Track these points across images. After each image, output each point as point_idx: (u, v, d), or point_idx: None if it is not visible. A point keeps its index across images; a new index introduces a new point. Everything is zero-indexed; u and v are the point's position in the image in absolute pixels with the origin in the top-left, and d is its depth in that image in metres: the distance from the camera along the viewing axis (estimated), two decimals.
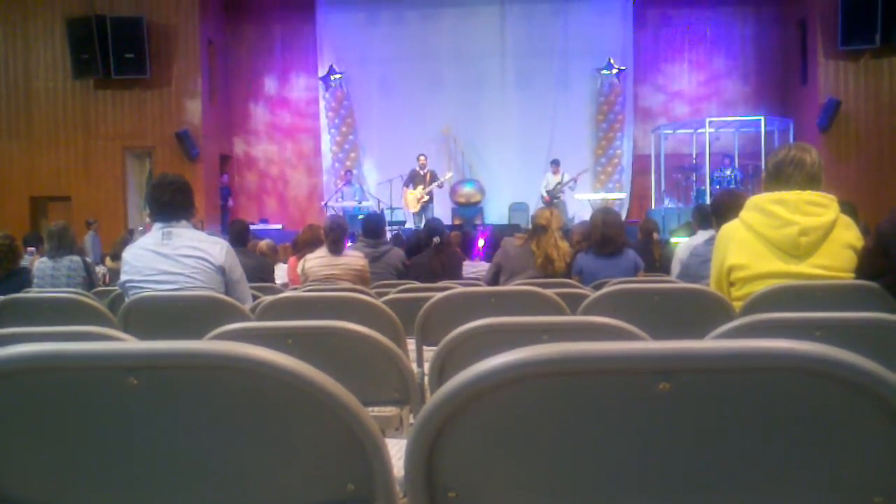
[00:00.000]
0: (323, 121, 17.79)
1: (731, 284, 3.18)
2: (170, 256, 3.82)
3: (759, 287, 2.99)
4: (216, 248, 3.92)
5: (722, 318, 2.82)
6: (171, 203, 3.91)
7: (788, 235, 2.99)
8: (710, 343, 0.90)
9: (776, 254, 3.03)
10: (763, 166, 14.58)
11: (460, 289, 3.13)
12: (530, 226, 6.24)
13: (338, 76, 17.40)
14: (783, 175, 3.09)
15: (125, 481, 1.04)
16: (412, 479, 0.95)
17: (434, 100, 17.01)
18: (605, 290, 2.95)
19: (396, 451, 2.10)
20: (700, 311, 2.90)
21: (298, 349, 2.00)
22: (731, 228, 3.23)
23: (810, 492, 0.91)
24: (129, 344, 0.95)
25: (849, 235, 3.05)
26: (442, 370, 1.95)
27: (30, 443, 1.05)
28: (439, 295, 3.03)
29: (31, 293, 3.76)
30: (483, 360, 0.90)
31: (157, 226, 3.92)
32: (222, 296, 3.64)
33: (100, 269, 10.48)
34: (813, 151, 3.15)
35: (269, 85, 18.02)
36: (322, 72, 17.50)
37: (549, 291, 2.98)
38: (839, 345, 1.55)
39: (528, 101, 17.00)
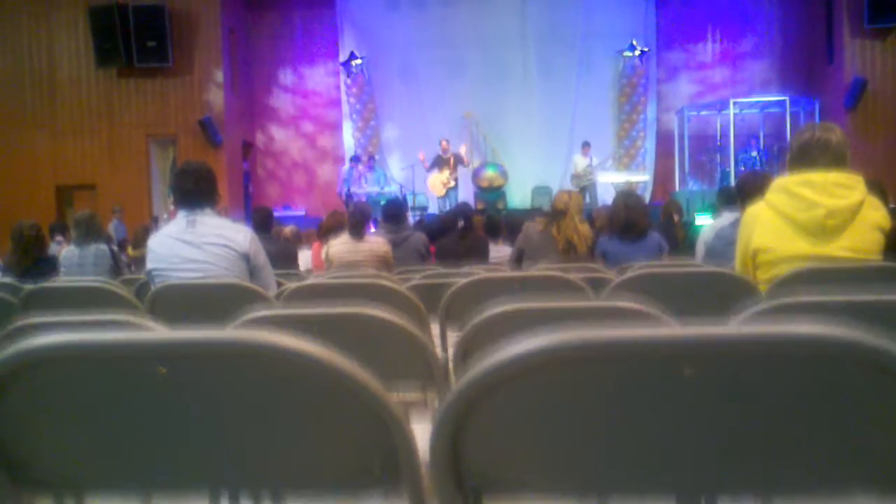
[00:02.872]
0: (344, 107, 17.81)
1: (757, 267, 3.16)
2: (194, 244, 3.84)
3: (785, 269, 2.96)
4: (240, 236, 3.93)
5: (747, 301, 2.80)
6: (194, 191, 3.93)
7: (815, 217, 2.96)
8: (734, 328, 0.89)
9: (802, 236, 3.00)
10: (788, 147, 14.38)
11: (484, 273, 3.13)
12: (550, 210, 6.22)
13: (358, 61, 17.37)
14: (808, 157, 3.06)
15: (154, 466, 1.05)
16: (437, 463, 0.96)
17: (455, 85, 16.97)
18: (629, 274, 2.93)
19: (422, 434, 2.11)
20: (725, 294, 2.88)
21: (323, 335, 2.01)
22: (756, 210, 3.20)
23: (838, 474, 0.90)
24: (157, 334, 0.96)
25: (876, 216, 3.01)
26: (466, 354, 1.95)
27: (61, 428, 1.06)
28: (463, 280, 3.03)
29: (59, 282, 3.79)
30: (507, 346, 0.89)
31: (181, 214, 3.95)
32: (247, 283, 3.66)
33: (123, 257, 10.55)
34: (837, 131, 3.11)
35: (291, 72, 18.05)
36: (343, 57, 17.49)
37: (573, 275, 2.97)
38: (867, 327, 1.54)
39: (550, 83, 16.91)
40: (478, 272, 4.78)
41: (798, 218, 3.01)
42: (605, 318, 1.89)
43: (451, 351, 2.90)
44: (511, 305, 1.89)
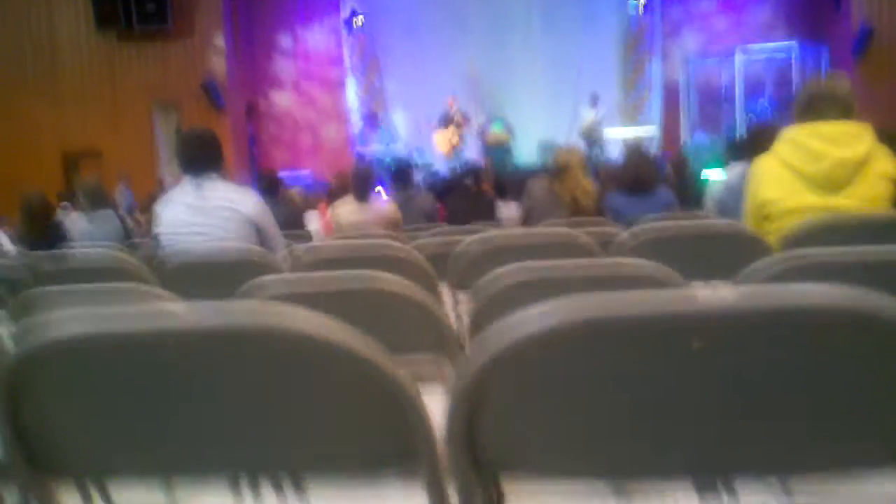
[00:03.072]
0: (347, 66, 17.67)
1: (765, 218, 3.15)
2: (201, 209, 3.86)
3: (793, 221, 2.95)
4: (246, 199, 3.94)
5: (758, 255, 2.79)
6: (199, 156, 3.94)
7: (822, 168, 2.95)
8: (737, 298, 0.87)
9: (810, 187, 2.99)
10: (795, 96, 14.27)
11: (491, 232, 3.12)
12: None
13: (360, 19, 17.20)
14: (815, 108, 3.03)
15: (174, 451, 1.06)
16: (453, 443, 0.96)
17: (458, 40, 16.80)
18: (637, 228, 2.92)
19: (437, 404, 2.12)
20: (735, 249, 2.87)
21: (335, 307, 2.02)
22: (763, 163, 3.18)
23: (849, 439, 0.91)
24: (174, 321, 0.95)
25: (885, 165, 2.98)
26: (479, 326, 1.96)
27: (80, 415, 1.07)
28: (470, 238, 3.03)
29: (72, 251, 3.82)
30: (517, 321, 0.89)
31: (187, 179, 3.95)
32: (255, 247, 3.67)
33: (130, 222, 10.56)
34: (844, 82, 3.10)
35: (292, 32, 17.87)
36: (344, 14, 17.33)
37: (580, 232, 2.96)
38: (878, 281, 1.55)
39: (554, 38, 16.73)
40: (485, 231, 4.78)
41: (806, 169, 2.99)
42: (616, 279, 1.88)
43: (464, 318, 2.91)
44: (521, 266, 1.89)
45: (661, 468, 0.96)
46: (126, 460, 1.10)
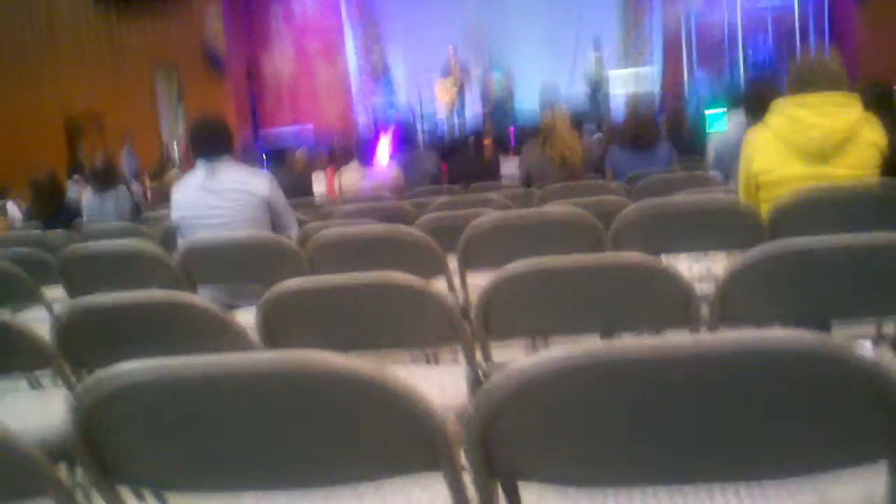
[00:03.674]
0: (345, 20, 17.58)
1: (758, 187, 3.28)
2: (216, 192, 4.00)
3: (786, 190, 3.09)
4: (259, 181, 4.08)
5: (749, 229, 2.95)
6: (211, 142, 4.08)
7: (813, 138, 3.06)
8: (715, 337, 1.03)
9: (801, 157, 3.11)
10: (796, 41, 14.32)
11: (499, 214, 3.27)
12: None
13: None
14: (807, 80, 3.14)
15: (225, 469, 1.23)
16: (472, 454, 1.12)
17: None
18: (633, 208, 3.06)
19: (450, 381, 2.29)
20: (729, 221, 3.03)
21: (350, 301, 2.18)
22: (756, 134, 3.30)
23: (820, 461, 1.07)
24: (228, 360, 1.11)
25: (873, 135, 3.10)
26: (486, 313, 2.12)
27: (143, 436, 1.23)
28: (479, 221, 3.17)
29: (94, 244, 3.97)
30: (528, 359, 1.05)
31: (200, 163, 4.09)
32: (271, 236, 3.82)
33: (137, 189, 10.70)
34: (835, 59, 3.20)
35: None
36: None
37: (583, 210, 3.11)
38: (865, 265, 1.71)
39: None
40: (490, 196, 4.93)
41: (796, 140, 3.11)
42: (616, 271, 2.04)
43: (471, 297, 3.08)
44: (527, 264, 2.04)
45: (650, 477, 1.12)
46: (182, 476, 1.27)
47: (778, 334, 0.99)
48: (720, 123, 7.09)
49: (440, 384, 2.27)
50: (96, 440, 1.21)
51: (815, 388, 1.00)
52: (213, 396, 1.13)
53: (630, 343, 1.00)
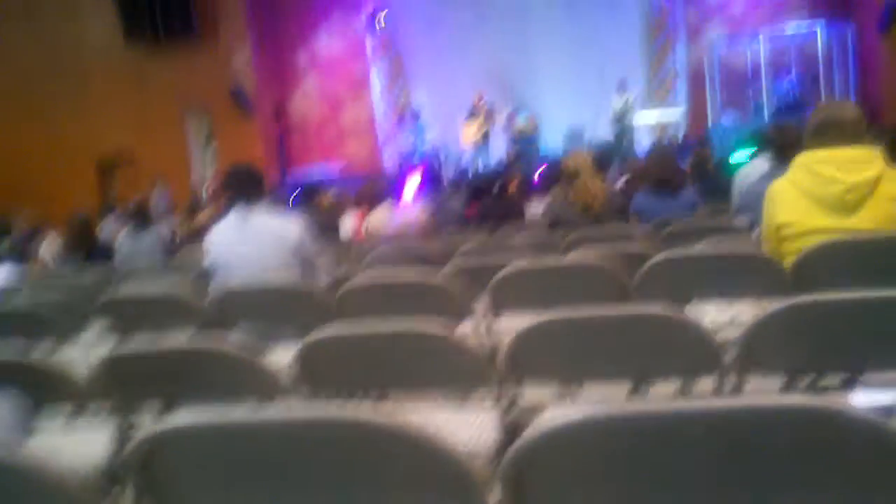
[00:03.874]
0: (371, 63, 17.85)
1: (783, 240, 3.33)
2: (249, 235, 4.12)
3: (809, 242, 3.14)
4: (291, 227, 4.18)
5: (772, 277, 3.01)
6: (244, 189, 4.19)
7: (835, 193, 3.12)
8: (726, 401, 1.10)
9: (823, 210, 3.16)
10: (819, 74, 14.41)
11: (527, 263, 3.35)
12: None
13: (383, 14, 17.42)
14: (824, 136, 3.20)
15: None
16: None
17: (480, 33, 16.93)
18: (656, 259, 3.12)
19: (477, 422, 2.36)
20: (751, 274, 3.09)
21: (382, 347, 2.27)
22: (779, 187, 3.36)
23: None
24: (274, 414, 1.19)
25: (893, 188, 3.15)
26: (515, 361, 2.19)
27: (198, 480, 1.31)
28: (507, 270, 3.26)
29: (131, 287, 4.09)
30: (551, 417, 1.11)
31: (234, 210, 4.20)
32: (303, 283, 3.92)
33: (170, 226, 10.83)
34: (851, 108, 3.27)
35: (316, 32, 18.05)
36: (366, 13, 17.54)
37: (607, 261, 3.18)
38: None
39: (576, 24, 16.78)
40: (516, 242, 5.02)
41: (819, 193, 3.17)
42: (638, 324, 2.11)
43: (502, 340, 3.15)
44: (555, 315, 2.11)
45: None
46: None
47: (787, 399, 1.05)
48: (746, 167, 7.12)
49: (469, 425, 2.34)
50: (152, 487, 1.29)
51: (828, 450, 1.05)
52: (266, 449, 1.21)
53: (645, 406, 1.07)
